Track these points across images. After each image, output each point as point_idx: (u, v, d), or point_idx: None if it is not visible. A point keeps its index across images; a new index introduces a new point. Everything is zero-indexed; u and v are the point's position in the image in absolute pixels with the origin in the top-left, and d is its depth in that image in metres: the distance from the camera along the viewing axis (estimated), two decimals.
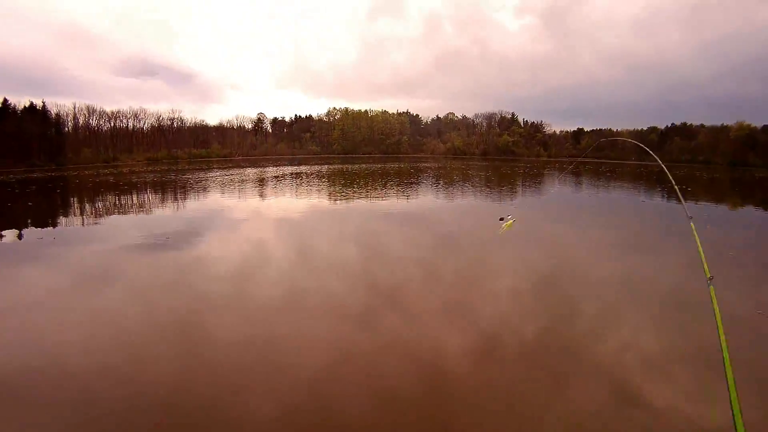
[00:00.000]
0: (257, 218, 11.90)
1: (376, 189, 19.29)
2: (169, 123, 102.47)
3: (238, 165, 50.58)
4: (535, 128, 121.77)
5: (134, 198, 17.80)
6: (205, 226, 10.78)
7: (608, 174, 33.22)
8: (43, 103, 52.12)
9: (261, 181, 26.47)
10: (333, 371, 3.80)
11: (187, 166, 50.15)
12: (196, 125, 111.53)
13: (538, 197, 17.12)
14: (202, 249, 8.30)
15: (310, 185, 22.74)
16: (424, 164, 47.32)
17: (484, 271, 6.72)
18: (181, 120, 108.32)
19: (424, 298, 5.51)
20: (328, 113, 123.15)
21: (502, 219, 6.19)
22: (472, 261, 7.28)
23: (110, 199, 17.42)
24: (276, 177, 29.86)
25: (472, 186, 21.35)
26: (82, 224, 11.65)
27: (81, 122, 65.13)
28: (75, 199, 18.72)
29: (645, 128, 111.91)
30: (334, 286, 6.02)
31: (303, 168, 41.65)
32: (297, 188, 21.11)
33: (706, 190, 22.90)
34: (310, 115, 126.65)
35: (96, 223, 11.65)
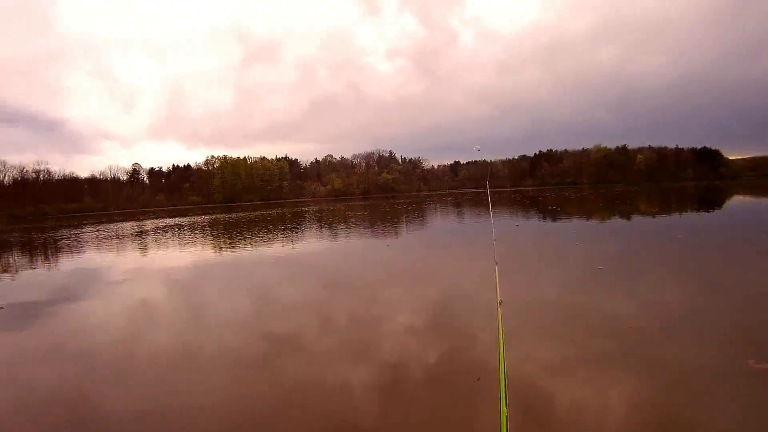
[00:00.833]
0: (139, 276, 10.27)
1: (260, 236, 18.70)
2: (34, 176, 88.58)
3: (114, 219, 44.92)
4: (414, 164, 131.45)
5: None
6: (70, 290, 8.98)
7: (485, 202, 37.70)
8: None
9: (140, 235, 23.67)
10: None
11: (56, 223, 44.24)
12: (65, 177, 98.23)
13: (416, 232, 18.40)
14: (79, 315, 6.79)
15: (194, 237, 20.85)
16: (304, 208, 47.11)
17: (378, 308, 6.82)
18: (48, 172, 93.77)
19: (322, 341, 5.38)
20: (207, 162, 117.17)
21: None
22: (362, 300, 7.32)
23: None
24: (156, 229, 27.23)
25: (352, 226, 22.03)
26: None
27: None
28: None
29: (516, 157, 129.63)
30: (229, 340, 5.49)
31: (184, 219, 38.47)
32: (179, 241, 19.11)
33: (576, 207, 27.74)
34: (189, 165, 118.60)
35: None
